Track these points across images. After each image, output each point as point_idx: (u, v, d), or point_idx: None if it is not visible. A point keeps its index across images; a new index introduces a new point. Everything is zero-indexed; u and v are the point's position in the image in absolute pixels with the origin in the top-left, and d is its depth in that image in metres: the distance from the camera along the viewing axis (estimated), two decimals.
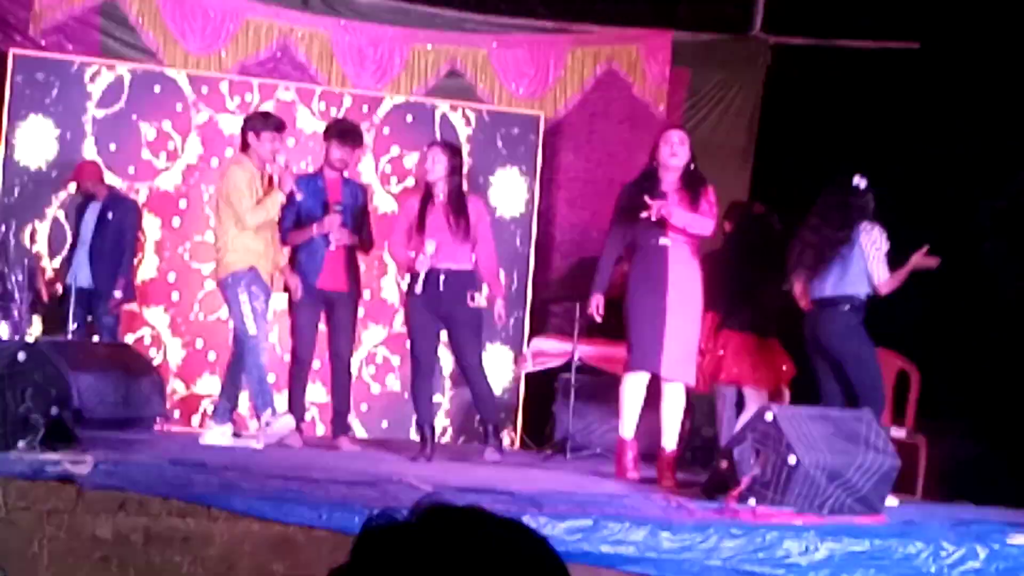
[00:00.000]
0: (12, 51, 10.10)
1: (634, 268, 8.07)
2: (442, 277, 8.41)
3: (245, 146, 8.73)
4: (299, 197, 8.76)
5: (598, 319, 8.15)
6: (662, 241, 7.95)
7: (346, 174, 9.17)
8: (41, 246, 10.11)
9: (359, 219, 9.10)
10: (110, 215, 9.84)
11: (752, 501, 6.52)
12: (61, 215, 10.14)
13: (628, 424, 8.04)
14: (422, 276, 8.36)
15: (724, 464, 6.84)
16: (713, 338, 8.84)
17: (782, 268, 8.29)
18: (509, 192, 10.87)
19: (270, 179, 8.68)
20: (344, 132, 9.10)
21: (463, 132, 10.76)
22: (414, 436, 9.43)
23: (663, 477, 7.90)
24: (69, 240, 10.03)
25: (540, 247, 11.02)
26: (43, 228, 10.13)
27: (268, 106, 10.08)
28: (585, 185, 11.27)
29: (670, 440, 8.03)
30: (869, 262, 8.01)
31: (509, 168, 10.88)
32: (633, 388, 8.02)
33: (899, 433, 8.73)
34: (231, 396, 8.81)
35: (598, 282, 8.13)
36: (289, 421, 8.58)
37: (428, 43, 11.13)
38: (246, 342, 8.56)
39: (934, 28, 10.46)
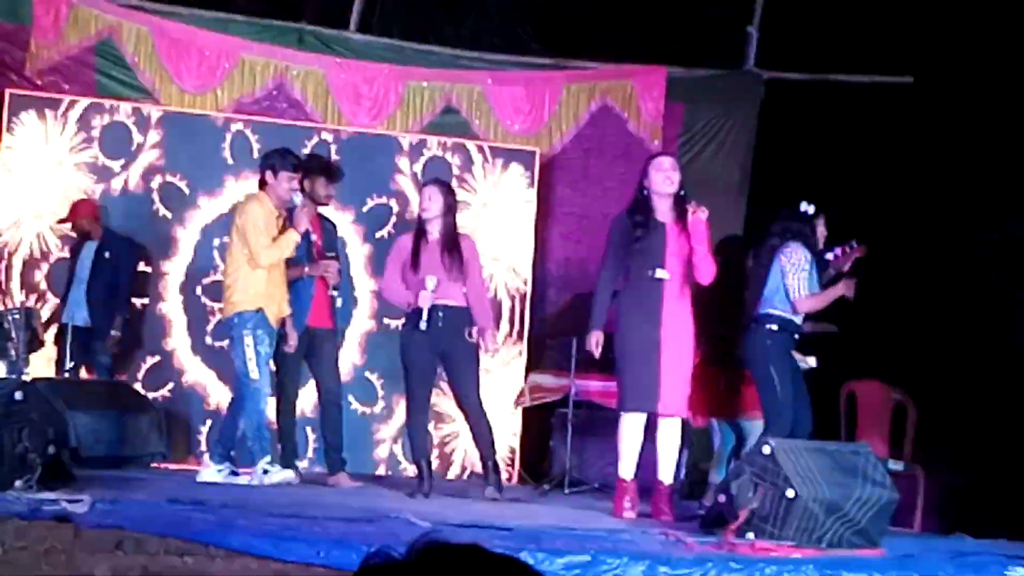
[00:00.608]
0: (8, 91, 10.13)
1: (626, 301, 7.99)
2: (440, 313, 8.40)
3: (263, 184, 8.69)
4: (314, 238, 8.78)
5: (596, 356, 8.11)
6: (658, 274, 7.91)
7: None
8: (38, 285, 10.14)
9: (335, 254, 9.17)
10: (107, 254, 9.86)
11: (751, 535, 6.51)
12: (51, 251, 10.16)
13: (627, 464, 7.99)
14: (425, 312, 8.35)
15: (722, 498, 6.83)
16: (705, 372, 8.81)
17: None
18: (505, 227, 10.88)
19: (285, 219, 8.64)
20: (329, 168, 9.13)
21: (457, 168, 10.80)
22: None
23: (660, 511, 7.88)
24: (41, 276, 10.05)
25: (536, 282, 11.04)
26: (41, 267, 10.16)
27: None
28: (580, 220, 11.29)
29: (667, 474, 8.01)
30: (786, 278, 7.98)
31: (505, 204, 10.90)
32: (631, 428, 7.96)
33: (897, 466, 8.73)
34: (229, 436, 8.76)
35: (596, 318, 8.05)
36: (289, 475, 8.51)
37: (423, 80, 11.17)
38: (247, 386, 8.51)
39: (928, 62, 10.51)
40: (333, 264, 8.92)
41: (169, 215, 10.32)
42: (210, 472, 8.58)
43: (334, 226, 9.45)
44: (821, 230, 8.31)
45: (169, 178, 10.33)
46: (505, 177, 10.93)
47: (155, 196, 10.32)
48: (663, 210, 8.02)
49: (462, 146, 10.92)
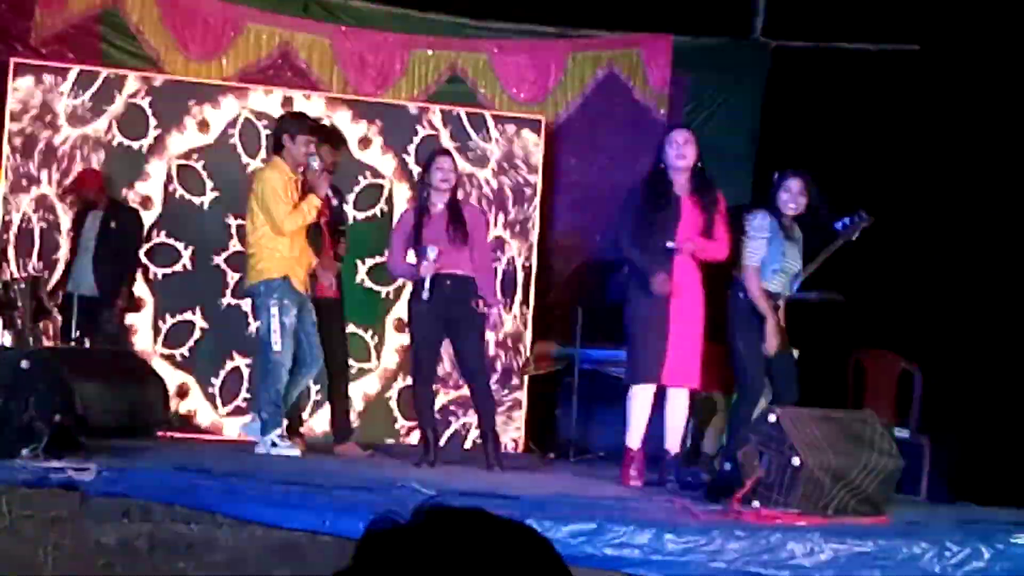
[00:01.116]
0: (13, 60, 10.11)
1: (637, 273, 8.03)
2: (447, 282, 8.39)
3: (278, 148, 8.63)
4: (335, 203, 8.74)
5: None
6: (669, 244, 7.91)
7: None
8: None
9: (343, 223, 9.15)
10: (113, 224, 9.85)
11: (756, 503, 6.52)
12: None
13: (635, 434, 8.02)
14: (427, 282, 8.35)
15: (728, 466, 6.84)
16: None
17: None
18: (511, 196, 10.88)
19: (302, 183, 8.60)
20: (334, 134, 9.09)
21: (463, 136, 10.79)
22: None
23: (666, 480, 7.90)
24: (65, 248, 10.04)
25: (542, 251, 11.02)
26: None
27: None
28: (586, 189, 11.26)
29: (673, 442, 8.03)
30: (744, 244, 7.96)
31: (510, 173, 10.89)
32: (640, 399, 7.98)
33: (903, 434, 8.73)
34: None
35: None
36: (295, 451, 8.49)
37: (428, 49, 11.13)
38: (269, 356, 8.47)
39: (934, 30, 10.47)
40: (341, 247, 8.92)
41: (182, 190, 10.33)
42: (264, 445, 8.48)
43: (342, 198, 9.39)
44: (788, 195, 8.15)
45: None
46: (511, 146, 10.91)
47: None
48: (680, 183, 8.03)
49: (468, 114, 10.89)
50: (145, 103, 10.26)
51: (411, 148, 10.69)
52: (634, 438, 8.01)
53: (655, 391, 8.01)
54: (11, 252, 10.02)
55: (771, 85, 11.42)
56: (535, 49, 11.35)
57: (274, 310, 8.39)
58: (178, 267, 10.29)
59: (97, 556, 5.61)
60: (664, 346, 7.86)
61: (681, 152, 8.00)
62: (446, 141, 10.51)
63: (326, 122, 9.82)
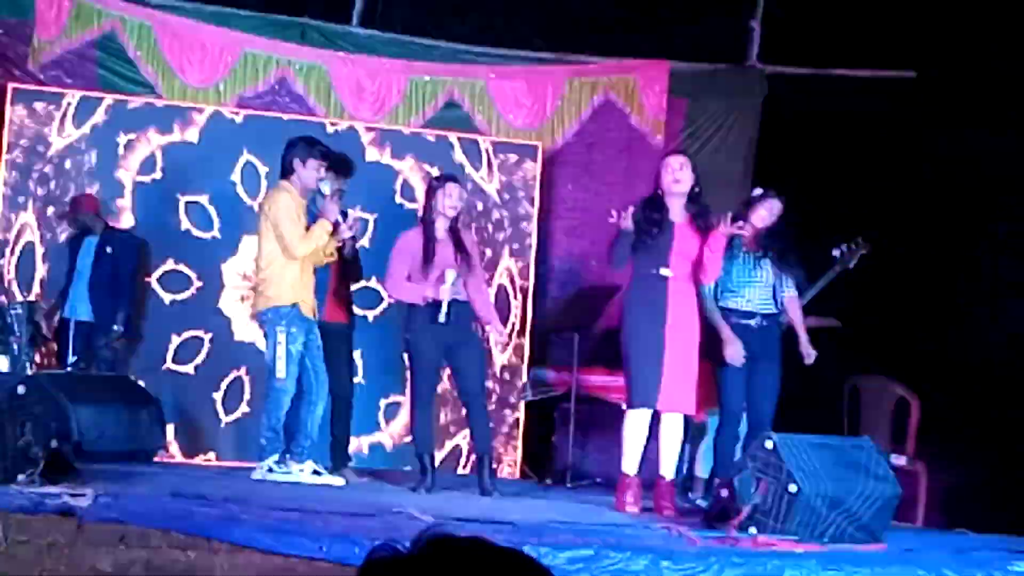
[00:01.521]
0: (11, 85, 10.13)
1: (632, 298, 8.03)
2: (450, 307, 8.40)
3: (286, 172, 8.61)
4: (345, 228, 8.67)
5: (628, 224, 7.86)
6: (663, 272, 7.93)
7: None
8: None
9: (356, 254, 9.13)
10: (108, 249, 9.85)
11: (753, 529, 6.52)
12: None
13: (630, 460, 8.01)
14: (445, 305, 8.35)
15: (724, 492, 6.84)
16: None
17: None
18: (507, 222, 10.88)
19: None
20: (341, 162, 9.09)
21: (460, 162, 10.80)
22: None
23: (662, 506, 7.89)
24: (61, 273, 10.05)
25: (538, 277, 11.03)
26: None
27: None
28: (583, 214, 11.28)
29: (668, 469, 8.02)
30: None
31: (507, 198, 10.91)
32: (635, 425, 7.98)
33: (900, 461, 8.73)
34: (306, 433, 8.59)
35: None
36: (290, 476, 8.45)
37: (426, 75, 11.15)
38: (273, 383, 8.45)
39: (930, 56, 10.50)
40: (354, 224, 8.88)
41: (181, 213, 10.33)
42: (295, 474, 8.44)
43: (353, 226, 9.36)
44: (760, 214, 8.21)
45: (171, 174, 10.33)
46: (507, 172, 10.93)
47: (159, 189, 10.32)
48: (675, 209, 8.05)
49: (464, 140, 10.91)
50: (146, 133, 10.28)
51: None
52: (629, 463, 8.00)
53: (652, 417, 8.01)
54: (7, 277, 10.02)
55: (767, 111, 11.45)
56: (532, 75, 11.38)
57: (280, 337, 8.37)
58: (189, 293, 10.28)
59: None
60: (660, 371, 7.87)
61: (676, 177, 8.02)
62: (448, 167, 10.50)
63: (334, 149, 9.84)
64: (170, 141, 10.31)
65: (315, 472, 8.45)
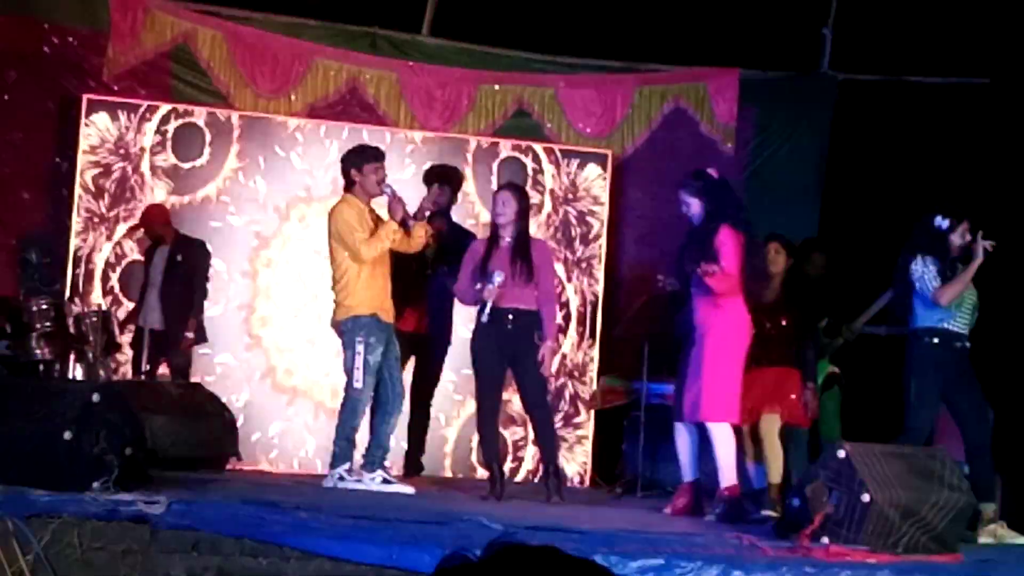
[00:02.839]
0: (85, 96, 10.24)
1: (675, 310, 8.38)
2: (510, 316, 8.43)
3: (349, 184, 8.65)
4: (412, 223, 8.70)
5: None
6: (692, 290, 8.14)
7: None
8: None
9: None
10: (179, 257, 9.94)
11: (825, 539, 6.46)
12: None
13: (683, 468, 8.27)
14: (489, 305, 8.38)
15: (797, 502, 6.79)
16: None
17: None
18: (578, 230, 10.88)
19: (377, 216, 8.63)
20: (450, 175, 9.16)
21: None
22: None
23: (725, 515, 7.92)
24: (135, 283, 10.16)
25: (608, 285, 11.01)
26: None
27: None
28: (653, 223, 11.24)
29: (726, 478, 8.04)
30: (917, 287, 7.91)
31: (577, 207, 10.90)
32: (678, 435, 8.24)
33: None
34: (379, 442, 8.65)
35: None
36: (361, 485, 8.45)
37: (495, 83, 11.17)
38: (349, 393, 8.51)
39: (1004, 64, 10.39)
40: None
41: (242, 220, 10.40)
42: (366, 482, 8.46)
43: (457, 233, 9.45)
44: (958, 240, 8.12)
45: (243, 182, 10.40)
46: (578, 180, 10.92)
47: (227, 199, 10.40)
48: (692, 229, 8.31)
49: (534, 149, 10.92)
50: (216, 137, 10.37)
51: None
52: (683, 472, 8.28)
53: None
54: (84, 287, 10.13)
55: (838, 118, 11.37)
56: (602, 83, 11.36)
57: (359, 347, 8.41)
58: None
59: None
60: (681, 384, 8.15)
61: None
62: (514, 176, 10.51)
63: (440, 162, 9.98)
64: (246, 152, 10.38)
65: (385, 480, 8.46)
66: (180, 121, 10.36)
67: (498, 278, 8.34)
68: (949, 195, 9.97)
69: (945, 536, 6.64)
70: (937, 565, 6.22)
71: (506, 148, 10.86)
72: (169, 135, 10.34)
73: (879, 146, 10.67)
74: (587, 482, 10.61)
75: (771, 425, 8.40)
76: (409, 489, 8.50)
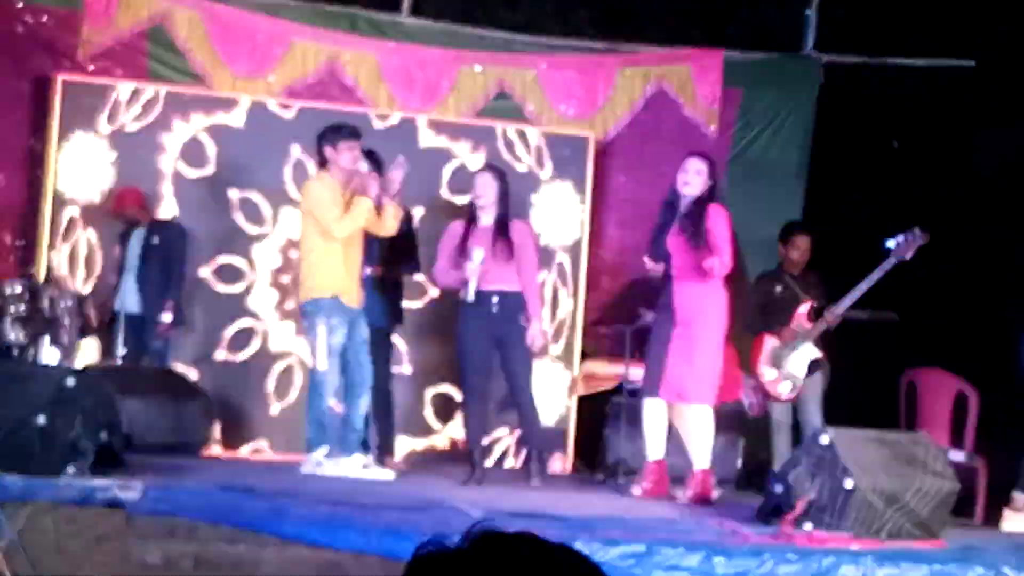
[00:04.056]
0: (60, 76, 10.14)
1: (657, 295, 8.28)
2: (495, 299, 8.42)
3: (323, 162, 8.58)
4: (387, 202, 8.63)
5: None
6: (671, 271, 8.14)
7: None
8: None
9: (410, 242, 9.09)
10: (155, 240, 9.86)
11: (808, 526, 6.44)
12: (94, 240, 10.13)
13: (653, 447, 8.27)
14: (473, 284, 8.34)
15: (779, 488, 6.75)
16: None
17: None
18: (559, 214, 10.81)
19: (353, 192, 8.54)
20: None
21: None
22: None
23: (698, 497, 7.92)
24: (110, 266, 10.07)
25: (591, 269, 10.96)
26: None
27: None
28: (636, 206, 11.18)
29: (698, 460, 8.09)
30: None
31: (559, 189, 10.84)
32: (649, 413, 8.23)
33: (958, 456, 8.61)
34: (352, 426, 8.56)
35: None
36: (338, 470, 8.39)
37: (476, 64, 11.10)
38: (314, 377, 8.47)
39: (989, 45, 10.36)
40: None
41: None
42: (341, 466, 8.38)
43: (410, 219, 9.36)
44: None
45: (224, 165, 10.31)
46: (559, 163, 10.85)
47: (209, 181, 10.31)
48: (685, 206, 8.22)
49: (515, 131, 10.85)
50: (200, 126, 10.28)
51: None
52: (650, 450, 8.27)
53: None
54: (57, 270, 10.04)
55: (823, 100, 11.33)
56: (584, 65, 11.30)
57: (321, 330, 8.35)
58: (241, 286, 10.27)
59: (142, 575, 5.57)
60: (661, 363, 8.11)
61: (686, 180, 8.20)
62: (495, 158, 10.45)
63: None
64: (220, 132, 10.28)
65: (364, 466, 8.41)
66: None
67: (478, 256, 8.32)
68: (932, 177, 9.96)
69: (929, 522, 6.62)
70: (921, 551, 6.20)
71: (486, 131, 10.78)
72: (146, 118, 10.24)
73: (864, 128, 10.64)
74: (568, 468, 10.55)
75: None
76: (388, 474, 8.45)
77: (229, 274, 10.25)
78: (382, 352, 9.03)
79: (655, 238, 8.26)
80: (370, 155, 8.83)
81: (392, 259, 9.07)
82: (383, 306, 9.04)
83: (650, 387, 8.19)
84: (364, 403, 8.59)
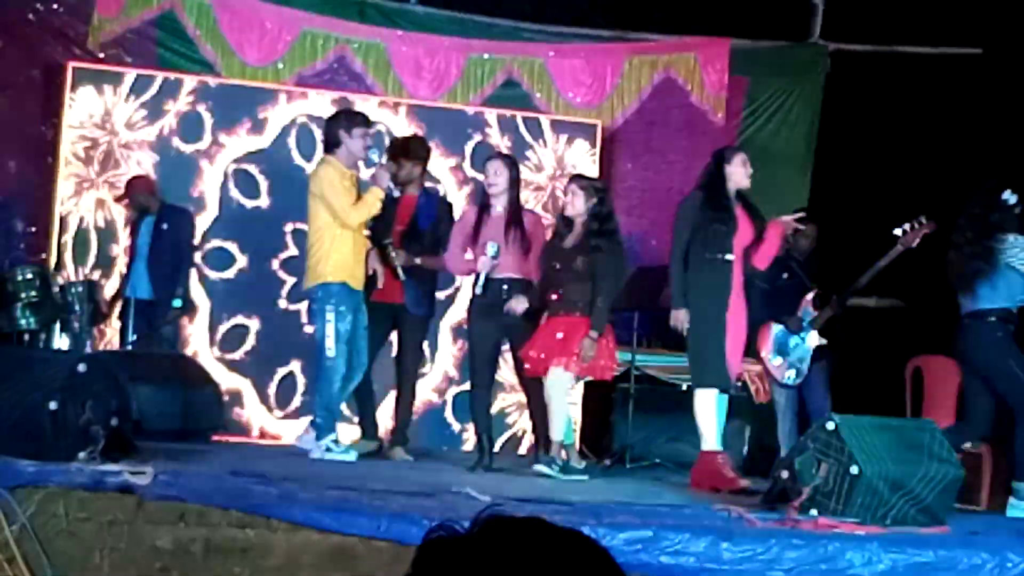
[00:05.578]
0: (71, 64, 10.17)
1: (696, 281, 8.09)
2: (505, 287, 8.41)
3: (332, 146, 8.55)
4: (396, 194, 8.70)
5: (684, 331, 8.14)
6: (728, 257, 8.05)
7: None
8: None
9: (440, 233, 9.03)
10: (165, 226, 9.88)
11: (814, 511, 6.46)
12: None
13: (710, 437, 8.13)
14: (483, 277, 8.36)
15: (785, 474, 6.77)
16: None
17: None
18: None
19: (356, 178, 8.56)
20: (413, 146, 9.07)
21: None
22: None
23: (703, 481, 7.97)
24: (121, 252, 10.11)
25: None
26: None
27: None
28: (643, 194, 11.21)
29: (708, 443, 8.09)
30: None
31: (566, 177, 10.85)
32: (705, 403, 8.09)
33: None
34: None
35: (679, 296, 8.16)
36: (350, 456, 8.44)
37: (485, 52, 11.12)
38: (322, 362, 8.47)
39: (996, 34, 10.36)
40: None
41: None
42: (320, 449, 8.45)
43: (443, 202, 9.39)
44: None
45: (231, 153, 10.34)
46: (567, 150, 10.87)
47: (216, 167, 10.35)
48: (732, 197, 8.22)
49: (524, 119, 10.87)
50: (202, 107, 10.31)
51: (467, 153, 10.67)
52: (710, 441, 8.12)
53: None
54: (69, 256, 10.08)
55: (829, 88, 11.34)
56: (592, 53, 11.31)
57: (329, 315, 8.36)
58: (232, 271, 10.31)
59: (153, 559, 5.60)
60: (722, 351, 8.05)
61: (749, 175, 8.22)
62: (502, 146, 10.48)
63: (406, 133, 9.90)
64: (232, 121, 10.33)
65: (326, 449, 8.38)
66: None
67: (492, 249, 8.31)
68: (939, 166, 9.96)
69: (934, 508, 6.64)
70: (926, 537, 6.21)
71: (494, 119, 10.80)
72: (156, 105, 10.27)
73: (870, 116, 10.64)
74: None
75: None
76: (351, 456, 8.41)
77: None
78: (417, 339, 9.05)
79: (689, 228, 8.21)
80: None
81: (433, 249, 9.03)
82: (421, 294, 9.02)
83: (714, 376, 8.11)
84: (350, 387, 8.63)
